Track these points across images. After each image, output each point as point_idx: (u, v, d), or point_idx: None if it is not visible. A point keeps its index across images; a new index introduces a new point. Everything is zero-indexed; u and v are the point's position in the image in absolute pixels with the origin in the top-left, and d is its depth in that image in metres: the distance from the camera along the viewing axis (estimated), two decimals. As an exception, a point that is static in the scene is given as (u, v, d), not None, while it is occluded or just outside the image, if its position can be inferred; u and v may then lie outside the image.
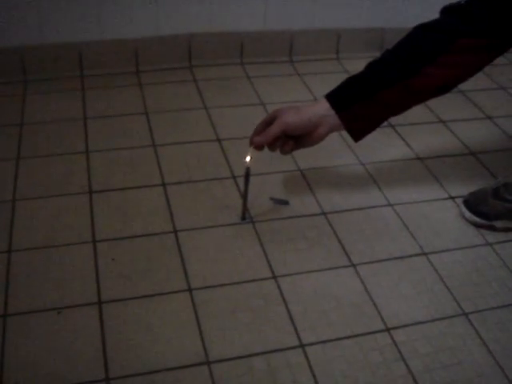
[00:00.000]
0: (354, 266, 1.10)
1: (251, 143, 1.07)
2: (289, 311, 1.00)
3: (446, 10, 1.06)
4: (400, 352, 0.95)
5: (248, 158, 1.08)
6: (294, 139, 1.08)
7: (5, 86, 1.55)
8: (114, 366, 0.89)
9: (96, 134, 1.40)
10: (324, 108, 1.05)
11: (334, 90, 1.07)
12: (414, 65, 1.02)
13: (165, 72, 1.68)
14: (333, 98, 1.06)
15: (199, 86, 1.63)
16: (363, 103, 1.04)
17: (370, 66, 1.07)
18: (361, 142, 1.11)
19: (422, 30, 1.05)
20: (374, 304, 1.02)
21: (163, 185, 1.25)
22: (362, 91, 1.04)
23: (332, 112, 1.05)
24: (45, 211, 1.16)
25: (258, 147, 1.07)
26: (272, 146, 1.08)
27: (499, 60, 1.09)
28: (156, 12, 1.61)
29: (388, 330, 0.98)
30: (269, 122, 1.07)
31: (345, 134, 1.10)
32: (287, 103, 1.55)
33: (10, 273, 1.03)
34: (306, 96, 1.63)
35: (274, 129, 1.05)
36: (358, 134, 1.09)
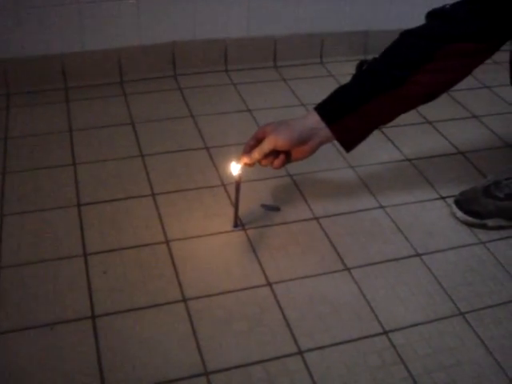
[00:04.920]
0: (348, 269, 1.09)
1: (241, 161, 1.06)
2: (285, 318, 0.99)
3: (430, 15, 1.05)
4: (399, 355, 0.94)
5: (237, 172, 1.07)
6: (285, 153, 1.07)
7: (-13, 100, 1.53)
8: (110, 381, 0.88)
9: (82, 146, 1.38)
10: (314, 121, 1.04)
11: (324, 101, 1.06)
12: (402, 73, 1.02)
13: (149, 81, 1.67)
14: (323, 110, 1.05)
15: (184, 94, 1.62)
16: (353, 115, 1.03)
17: (359, 76, 1.06)
18: (350, 146, 1.11)
19: (408, 36, 1.04)
20: (371, 307, 1.02)
21: (153, 195, 1.24)
22: (351, 103, 1.03)
23: (323, 125, 1.04)
24: (33, 225, 1.15)
25: (249, 165, 1.06)
26: (263, 162, 1.07)
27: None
28: (138, 21, 1.61)
29: (386, 332, 0.98)
30: (259, 138, 1.06)
31: (334, 137, 1.09)
32: (273, 109, 1.58)
33: (1, 289, 1.01)
34: (291, 101, 1.62)
35: (265, 147, 1.04)
36: (349, 145, 1.08)
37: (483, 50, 1.03)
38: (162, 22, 1.63)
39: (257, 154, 1.05)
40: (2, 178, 1.27)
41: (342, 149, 1.09)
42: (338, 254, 1.12)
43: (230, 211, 1.17)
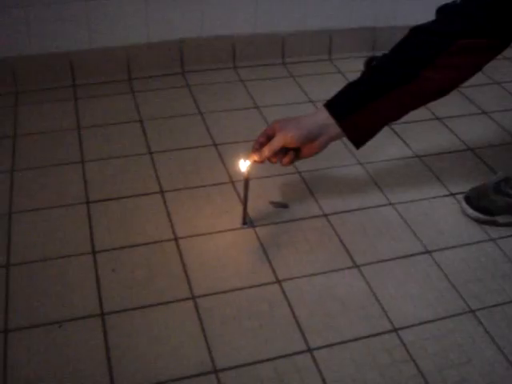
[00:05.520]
0: (357, 267, 1.08)
1: (251, 158, 1.06)
2: (294, 315, 0.99)
3: (441, 10, 1.04)
4: (409, 352, 0.93)
5: (246, 169, 1.07)
6: (294, 150, 1.06)
7: (-4, 98, 1.54)
8: (119, 378, 0.88)
9: (90, 144, 1.38)
10: (324, 117, 1.04)
11: (333, 98, 1.05)
12: (412, 69, 1.01)
13: (157, 78, 1.67)
14: (332, 107, 1.04)
15: (193, 91, 1.62)
16: (362, 112, 1.02)
17: (369, 72, 1.05)
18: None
19: (418, 32, 1.03)
20: (380, 305, 1.01)
21: (161, 192, 1.24)
22: (360, 100, 1.02)
23: (332, 121, 1.03)
24: (42, 223, 1.15)
25: (259, 162, 1.06)
26: (272, 159, 1.07)
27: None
28: (146, 19, 1.60)
29: (395, 330, 0.97)
30: (268, 135, 1.06)
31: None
32: (281, 106, 1.57)
33: (10, 287, 1.01)
34: (300, 98, 1.62)
35: (275, 144, 1.04)
36: (359, 141, 1.08)
37: (494, 46, 1.02)
38: (169, 19, 1.62)
39: (267, 152, 1.04)
40: (10, 176, 1.27)
41: (351, 145, 1.08)
42: (348, 251, 1.12)
43: (239, 208, 1.16)
